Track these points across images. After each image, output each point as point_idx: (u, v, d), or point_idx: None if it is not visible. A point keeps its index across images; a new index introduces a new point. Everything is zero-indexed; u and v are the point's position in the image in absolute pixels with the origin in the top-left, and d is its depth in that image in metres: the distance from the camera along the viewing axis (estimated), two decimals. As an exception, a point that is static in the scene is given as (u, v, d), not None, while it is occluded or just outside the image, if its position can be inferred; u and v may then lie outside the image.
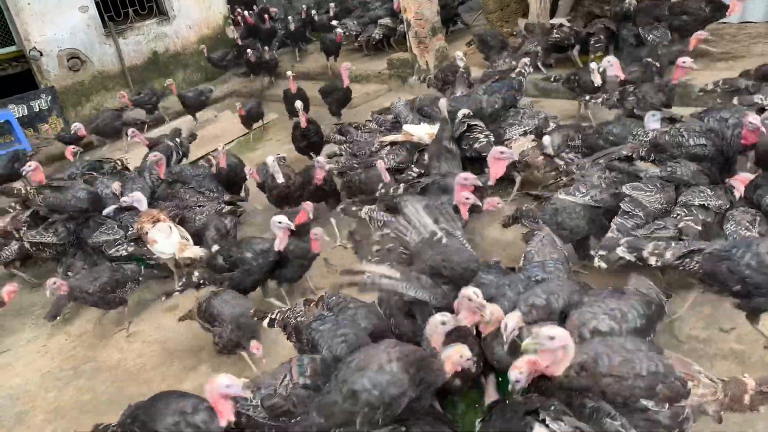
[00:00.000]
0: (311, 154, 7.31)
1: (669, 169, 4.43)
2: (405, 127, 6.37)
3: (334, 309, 3.81)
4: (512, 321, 3.07)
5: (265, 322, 4.03)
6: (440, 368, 2.86)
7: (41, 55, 11.18)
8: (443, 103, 6.12)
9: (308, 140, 7.26)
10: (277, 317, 3.97)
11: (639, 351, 2.74)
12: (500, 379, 3.35)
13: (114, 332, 5.27)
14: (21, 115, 10.81)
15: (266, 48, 11.71)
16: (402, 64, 9.88)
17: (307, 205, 5.07)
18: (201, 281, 4.75)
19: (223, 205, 6.00)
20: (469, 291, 3.18)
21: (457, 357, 2.83)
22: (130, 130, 8.16)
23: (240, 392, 2.90)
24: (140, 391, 4.47)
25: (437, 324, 3.10)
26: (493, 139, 5.70)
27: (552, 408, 2.51)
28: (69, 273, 5.53)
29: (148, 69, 12.34)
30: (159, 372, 4.69)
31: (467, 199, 4.44)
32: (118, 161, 7.47)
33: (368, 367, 2.81)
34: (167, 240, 5.09)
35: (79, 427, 4.24)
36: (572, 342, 2.73)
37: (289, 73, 8.65)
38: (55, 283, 4.65)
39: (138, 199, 5.66)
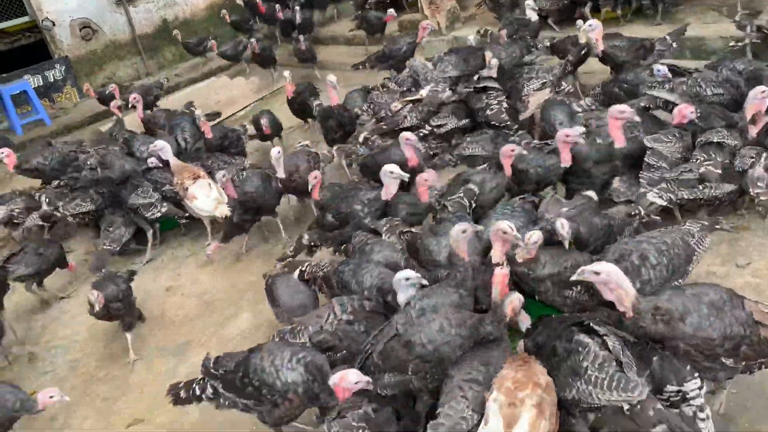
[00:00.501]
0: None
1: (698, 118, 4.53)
2: (422, 91, 6.53)
3: (355, 248, 4.23)
4: (566, 221, 3.47)
5: (295, 274, 4.28)
6: (498, 320, 3.07)
7: (53, 25, 11.25)
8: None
9: (344, 129, 6.44)
10: (306, 270, 4.25)
11: (725, 307, 2.76)
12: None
13: (152, 288, 5.53)
14: (37, 85, 10.93)
15: (301, 37, 10.19)
16: (413, 26, 9.93)
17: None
18: (312, 243, 4.73)
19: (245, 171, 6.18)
20: (504, 224, 3.44)
21: (517, 302, 3.07)
22: (131, 96, 7.73)
23: (367, 386, 3.05)
24: (187, 338, 4.78)
25: (458, 232, 3.47)
26: (506, 106, 5.80)
27: (596, 318, 2.75)
28: (110, 229, 5.77)
29: (159, 37, 12.40)
30: (201, 321, 4.95)
31: (513, 150, 4.49)
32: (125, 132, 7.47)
33: (429, 325, 3.09)
34: (207, 197, 5.33)
35: (133, 372, 4.53)
36: (621, 276, 2.80)
37: (286, 74, 7.54)
38: (98, 296, 4.53)
39: (161, 147, 5.78)
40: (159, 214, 5.77)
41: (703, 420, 2.61)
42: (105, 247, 5.70)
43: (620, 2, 7.87)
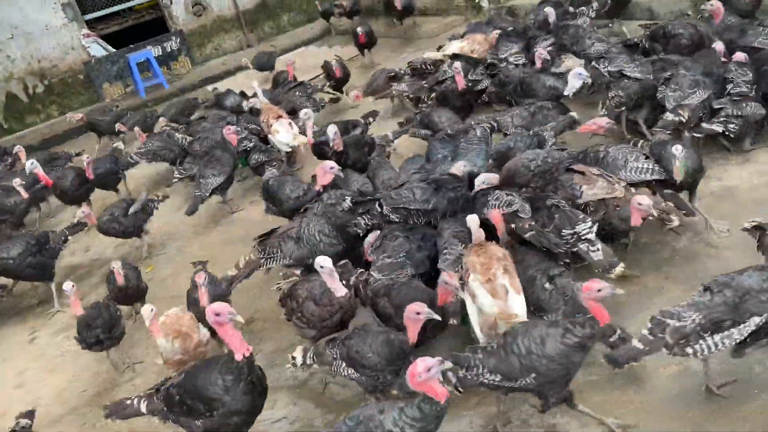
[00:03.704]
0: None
1: None
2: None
3: None
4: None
5: None
6: None
7: (171, 3, 13.06)
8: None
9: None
10: None
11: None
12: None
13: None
14: (157, 54, 12.77)
15: None
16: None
17: None
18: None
19: None
20: None
21: None
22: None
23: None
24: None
25: None
26: None
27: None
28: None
29: (258, 12, 13.96)
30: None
31: None
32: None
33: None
34: (287, 132, 6.66)
35: (223, 257, 5.95)
36: None
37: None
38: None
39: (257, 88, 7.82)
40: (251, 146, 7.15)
41: (594, 251, 3.63)
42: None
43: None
